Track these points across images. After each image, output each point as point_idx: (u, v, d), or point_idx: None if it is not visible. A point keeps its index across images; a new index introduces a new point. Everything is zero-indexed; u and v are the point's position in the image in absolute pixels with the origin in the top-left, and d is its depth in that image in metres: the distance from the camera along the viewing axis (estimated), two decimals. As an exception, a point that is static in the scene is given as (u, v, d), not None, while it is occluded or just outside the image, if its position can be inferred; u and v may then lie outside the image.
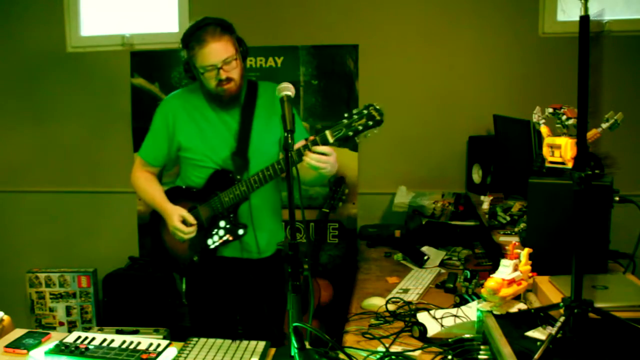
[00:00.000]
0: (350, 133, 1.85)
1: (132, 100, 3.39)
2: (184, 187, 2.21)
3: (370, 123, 1.85)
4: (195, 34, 1.98)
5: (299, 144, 2.16)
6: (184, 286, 2.28)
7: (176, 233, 2.11)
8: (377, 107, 1.84)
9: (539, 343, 1.27)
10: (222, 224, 2.12)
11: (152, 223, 2.28)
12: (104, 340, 1.66)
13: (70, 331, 2.25)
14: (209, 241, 2.13)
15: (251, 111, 2.14)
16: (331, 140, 1.87)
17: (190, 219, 2.10)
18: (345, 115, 1.87)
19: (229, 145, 2.12)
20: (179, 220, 2.10)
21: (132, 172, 2.29)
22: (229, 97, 2.06)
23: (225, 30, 2.00)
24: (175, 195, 2.19)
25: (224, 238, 2.12)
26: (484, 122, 3.20)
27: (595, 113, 1.52)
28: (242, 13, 3.22)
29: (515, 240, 2.03)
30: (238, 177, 2.10)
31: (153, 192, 2.21)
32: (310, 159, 1.86)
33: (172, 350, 1.64)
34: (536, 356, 1.20)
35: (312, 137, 1.89)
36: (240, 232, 2.11)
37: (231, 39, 2.01)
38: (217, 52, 1.97)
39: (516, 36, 3.28)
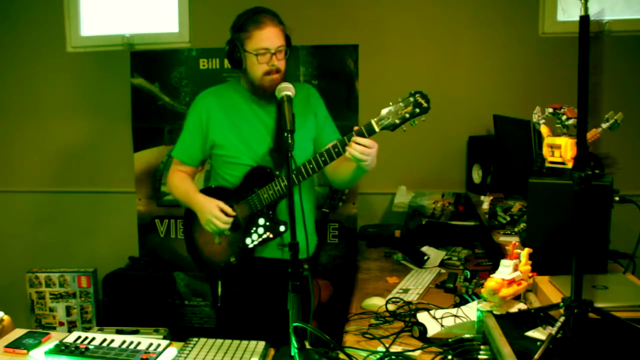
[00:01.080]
0: (397, 121, 1.84)
1: (132, 100, 3.38)
2: (214, 186, 2.17)
3: (417, 110, 1.84)
4: (253, 17, 1.98)
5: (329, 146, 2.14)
6: (219, 290, 2.19)
7: (212, 221, 2.04)
8: (424, 93, 1.84)
9: (539, 343, 1.27)
10: (261, 221, 2.06)
11: (185, 226, 2.25)
12: (104, 340, 1.66)
13: (70, 331, 2.24)
14: (248, 240, 2.07)
15: None
16: (377, 129, 1.85)
17: (228, 209, 2.05)
18: (391, 103, 1.85)
19: (265, 142, 2.09)
20: (217, 208, 2.04)
21: (167, 175, 2.25)
22: (273, 89, 1.97)
23: (280, 22, 2.02)
24: (209, 195, 2.12)
25: (264, 236, 2.06)
26: (484, 122, 3.20)
27: (595, 113, 1.52)
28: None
29: (515, 240, 2.02)
30: (277, 172, 2.05)
31: (186, 187, 2.16)
32: (354, 149, 1.85)
33: (172, 350, 1.64)
34: (536, 356, 1.20)
35: (356, 127, 1.87)
36: (282, 228, 2.04)
37: (284, 31, 2.03)
38: (273, 36, 1.97)
39: (516, 36, 3.28)
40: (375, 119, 1.86)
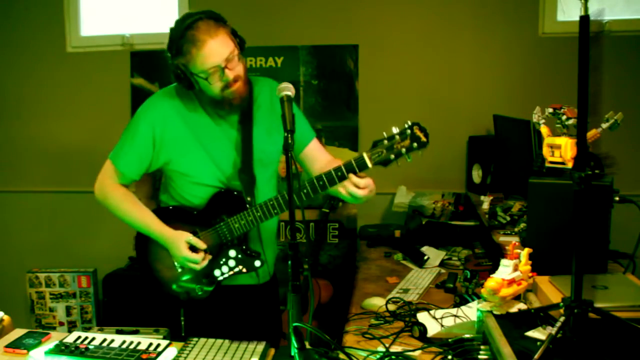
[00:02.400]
0: (392, 156, 1.64)
1: (132, 100, 3.39)
2: (173, 207, 1.91)
3: (415, 145, 1.63)
4: (186, 36, 1.67)
5: (311, 144, 1.93)
6: (182, 319, 1.93)
7: (186, 264, 1.81)
8: (422, 126, 1.64)
9: (539, 343, 1.27)
10: (232, 253, 1.83)
11: (138, 251, 1.95)
12: (104, 340, 1.66)
13: (70, 331, 2.24)
14: (217, 272, 1.84)
15: (250, 115, 1.86)
16: (370, 165, 1.64)
17: (200, 243, 1.79)
18: (385, 134, 1.65)
19: (231, 159, 1.85)
20: (186, 247, 1.78)
21: (101, 182, 1.90)
22: (239, 99, 1.76)
23: (219, 23, 1.71)
24: (165, 217, 1.86)
25: (236, 269, 1.84)
26: (484, 122, 3.19)
27: (595, 113, 1.52)
28: (242, 13, 3.22)
29: (515, 240, 2.02)
30: (248, 198, 1.82)
31: (144, 216, 1.86)
32: (349, 189, 1.66)
33: (172, 350, 1.63)
34: (536, 356, 1.20)
35: (341, 162, 1.67)
36: (257, 264, 1.83)
37: (227, 31, 1.72)
38: (217, 50, 1.68)
39: (516, 36, 3.28)
40: (368, 152, 1.65)
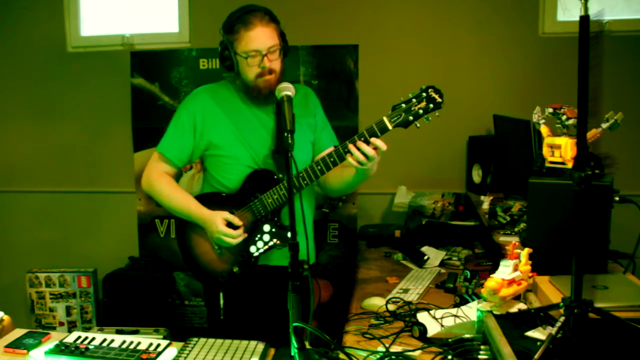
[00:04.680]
0: (411, 118, 1.78)
1: (132, 100, 3.38)
2: (210, 192, 2.06)
3: (431, 106, 1.78)
4: (242, 17, 1.89)
5: (327, 150, 2.04)
6: (221, 302, 2.05)
7: (223, 240, 1.93)
8: (437, 88, 1.78)
9: (539, 343, 1.27)
10: (266, 228, 1.97)
11: (179, 235, 2.11)
12: (104, 340, 1.66)
13: (70, 331, 2.24)
14: (252, 248, 1.97)
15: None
16: (390, 127, 1.79)
17: (236, 220, 1.93)
18: (402, 99, 1.79)
19: (266, 143, 2.00)
20: (223, 223, 1.92)
21: (147, 172, 2.07)
22: (267, 90, 1.92)
23: (272, 20, 1.92)
24: (203, 202, 2.01)
25: (270, 243, 1.96)
26: (484, 122, 3.20)
27: (595, 113, 1.52)
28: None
29: (515, 240, 2.02)
30: (280, 176, 1.96)
31: (185, 199, 2.01)
32: (364, 150, 1.77)
33: (172, 350, 1.64)
34: (536, 356, 1.20)
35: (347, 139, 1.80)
36: (289, 235, 1.95)
37: (277, 29, 1.93)
38: (263, 37, 1.88)
39: (516, 36, 3.28)
40: (387, 116, 1.78)
